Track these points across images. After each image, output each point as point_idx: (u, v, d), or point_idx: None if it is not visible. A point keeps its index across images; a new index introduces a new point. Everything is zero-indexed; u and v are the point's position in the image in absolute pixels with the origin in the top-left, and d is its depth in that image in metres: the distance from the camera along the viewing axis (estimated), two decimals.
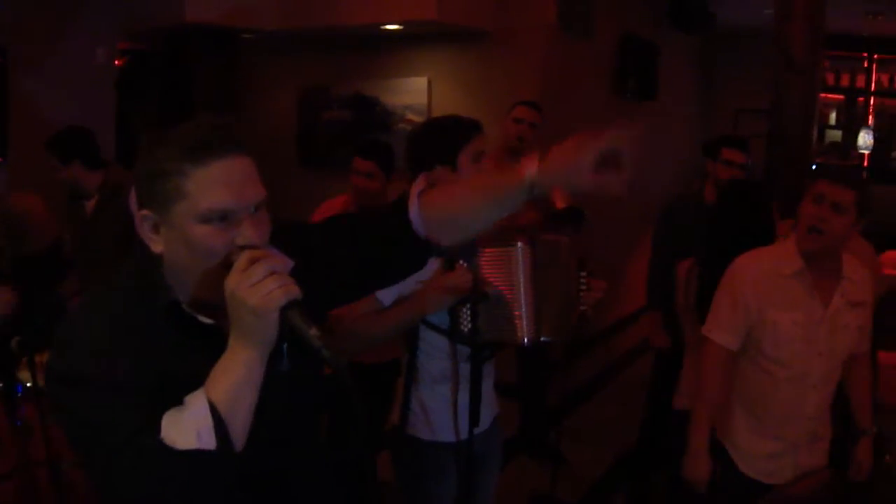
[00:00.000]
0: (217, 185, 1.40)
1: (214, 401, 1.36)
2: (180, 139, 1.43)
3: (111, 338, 1.42)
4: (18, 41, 5.78)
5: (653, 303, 4.46)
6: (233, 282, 1.36)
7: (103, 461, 1.36)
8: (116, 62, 7.40)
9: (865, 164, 9.75)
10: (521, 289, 2.59)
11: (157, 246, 1.48)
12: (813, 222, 2.64)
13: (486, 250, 2.58)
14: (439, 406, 2.68)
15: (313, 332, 1.36)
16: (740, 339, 2.81)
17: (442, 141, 2.61)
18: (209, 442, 1.34)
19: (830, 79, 10.09)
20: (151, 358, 1.41)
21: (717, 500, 2.98)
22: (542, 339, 2.64)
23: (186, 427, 1.34)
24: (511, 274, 2.59)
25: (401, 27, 6.07)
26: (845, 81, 10.06)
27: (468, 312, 2.54)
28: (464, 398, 2.64)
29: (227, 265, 1.39)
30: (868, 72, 9.87)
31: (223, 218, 1.41)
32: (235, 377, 1.39)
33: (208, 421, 1.35)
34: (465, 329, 2.56)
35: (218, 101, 6.87)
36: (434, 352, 2.66)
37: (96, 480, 1.42)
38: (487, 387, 2.79)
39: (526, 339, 2.60)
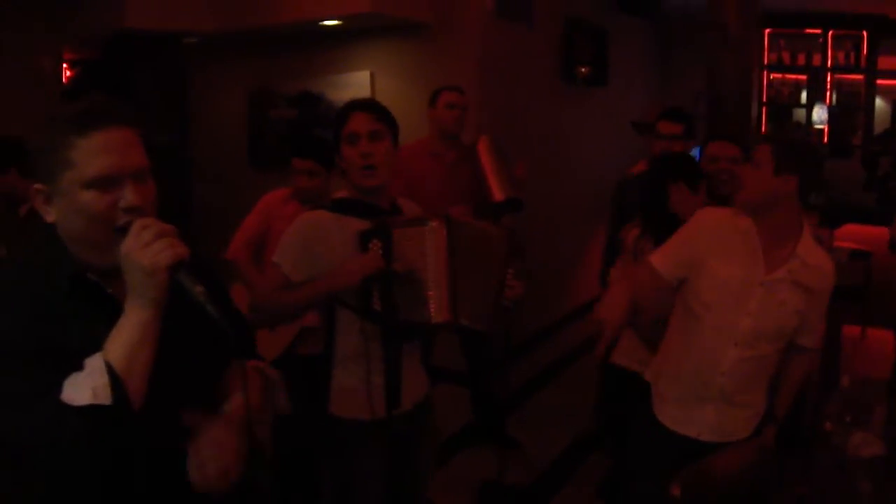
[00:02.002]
0: (100, 153, 1.53)
1: (110, 360, 1.45)
2: (67, 115, 1.57)
3: (8, 307, 1.51)
4: None
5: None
6: (126, 245, 1.49)
7: (3, 429, 1.43)
8: (67, 72, 7.40)
9: (825, 140, 9.78)
10: (433, 269, 2.58)
11: (49, 216, 1.59)
12: (724, 176, 2.77)
13: (398, 230, 2.58)
14: (354, 384, 2.69)
15: (199, 289, 1.51)
16: (674, 274, 2.87)
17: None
18: (105, 398, 1.42)
19: (787, 58, 10.12)
20: (52, 326, 1.50)
21: (632, 442, 3.10)
22: (460, 322, 2.63)
23: (83, 385, 1.42)
24: (423, 254, 2.58)
25: (340, 22, 6.06)
26: (801, 60, 10.08)
27: (379, 292, 2.55)
28: (379, 377, 2.66)
29: (121, 230, 1.52)
30: (824, 49, 9.89)
31: (107, 183, 1.53)
32: (130, 337, 1.48)
33: (104, 378, 1.43)
34: (377, 308, 2.56)
35: (164, 105, 6.87)
36: (348, 330, 2.67)
37: None
38: (411, 368, 2.81)
39: (439, 320, 2.59)
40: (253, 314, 2.65)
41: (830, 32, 9.82)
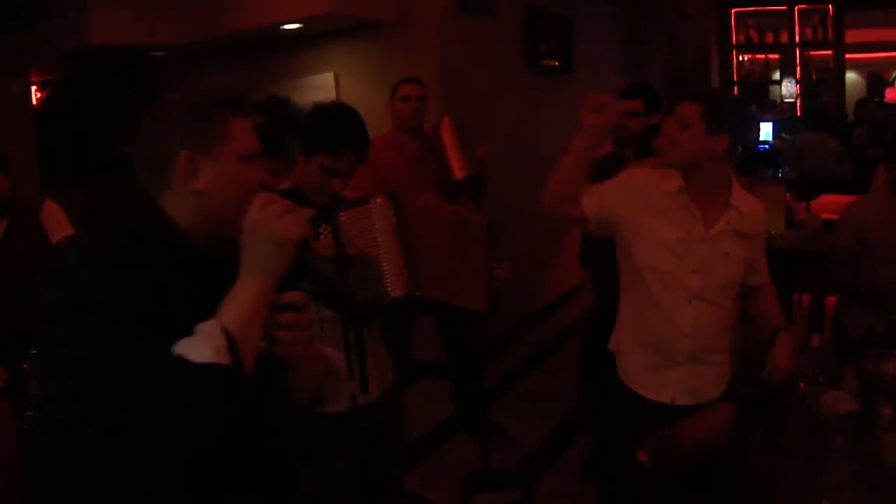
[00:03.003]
0: (250, 132, 1.67)
1: (228, 324, 1.47)
2: (225, 95, 1.69)
3: (120, 270, 1.52)
4: None
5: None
6: (254, 217, 1.55)
7: (115, 382, 1.42)
8: (37, 93, 7.42)
9: (798, 113, 9.85)
10: (384, 245, 2.62)
11: (195, 183, 1.63)
12: (660, 141, 2.75)
13: (345, 212, 2.60)
14: None
15: (328, 266, 1.64)
16: (595, 211, 2.79)
17: None
18: (226, 358, 1.44)
19: (756, 37, 10.17)
20: (159, 294, 1.52)
21: (609, 416, 3.10)
22: (416, 294, 2.67)
23: (202, 346, 1.43)
24: (372, 231, 2.61)
25: (300, 25, 6.08)
26: (770, 39, 10.14)
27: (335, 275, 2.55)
28: (342, 366, 2.63)
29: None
30: (791, 25, 9.95)
31: (255, 158, 1.68)
32: (249, 305, 1.52)
33: (223, 340, 1.45)
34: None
35: (135, 118, 6.87)
36: None
37: (101, 406, 1.46)
38: (376, 354, 2.81)
39: (396, 293, 2.63)
40: None
41: (796, 8, 9.87)
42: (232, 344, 1.45)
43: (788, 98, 9.87)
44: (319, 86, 6.33)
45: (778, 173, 7.94)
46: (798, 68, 9.97)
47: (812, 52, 10.07)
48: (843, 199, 7.11)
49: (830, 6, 9.63)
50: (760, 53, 10.31)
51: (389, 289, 2.62)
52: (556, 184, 2.79)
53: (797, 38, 9.93)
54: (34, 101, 7.42)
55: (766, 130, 9.65)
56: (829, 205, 6.76)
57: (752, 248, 2.87)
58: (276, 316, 1.59)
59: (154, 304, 1.49)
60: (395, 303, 2.69)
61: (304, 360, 1.73)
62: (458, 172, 4.33)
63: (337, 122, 2.68)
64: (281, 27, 6.10)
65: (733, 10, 9.99)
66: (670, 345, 2.84)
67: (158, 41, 6.59)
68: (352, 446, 2.76)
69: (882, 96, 10.18)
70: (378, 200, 2.63)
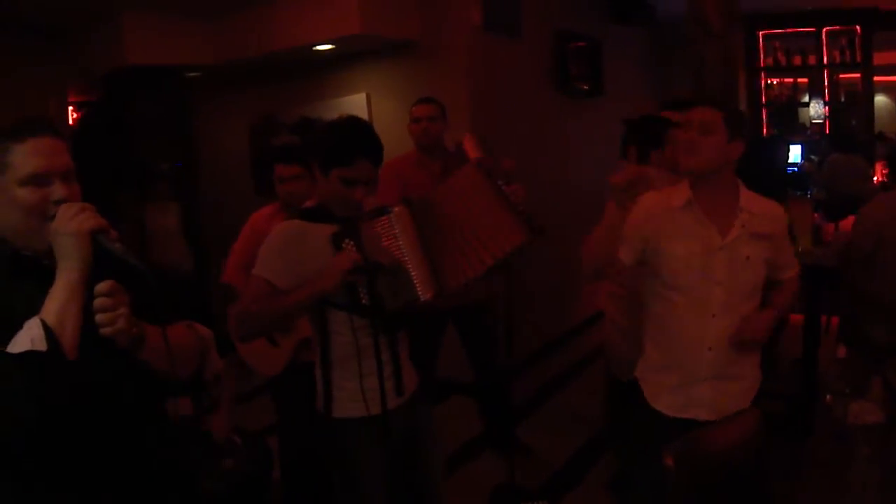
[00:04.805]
0: (32, 155, 1.82)
1: (44, 317, 1.68)
2: (4, 128, 1.87)
3: None
4: None
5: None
6: (54, 224, 1.76)
7: None
8: (74, 114, 7.56)
9: (827, 131, 9.82)
10: (408, 250, 2.68)
11: None
12: (684, 145, 2.79)
13: (366, 223, 2.66)
14: (350, 383, 2.74)
15: (118, 245, 1.78)
16: (632, 257, 2.92)
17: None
18: (40, 345, 1.63)
19: (783, 59, 10.16)
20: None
21: (633, 436, 3.12)
22: (445, 292, 2.71)
23: (21, 338, 1.64)
24: (395, 238, 2.67)
25: (333, 46, 6.18)
26: (798, 61, 10.12)
27: (364, 286, 2.60)
28: (374, 373, 2.71)
29: (52, 218, 1.79)
30: (818, 48, 9.93)
31: (38, 180, 1.82)
32: (60, 296, 1.72)
33: (39, 330, 1.65)
34: (366, 302, 2.62)
35: (169, 136, 7.02)
36: (339, 329, 2.73)
37: None
38: (403, 358, 2.87)
39: (428, 296, 2.68)
40: (240, 326, 2.72)
41: (825, 29, 9.86)
42: (48, 332, 1.64)
43: (817, 119, 9.84)
44: (351, 106, 6.39)
45: (807, 195, 7.94)
46: (826, 90, 9.95)
47: (841, 75, 10.04)
48: None
49: (858, 27, 9.61)
50: (788, 76, 10.27)
51: (420, 292, 2.67)
52: (595, 254, 2.96)
53: (825, 60, 9.90)
54: (71, 122, 7.55)
55: (794, 153, 9.64)
56: None
57: (773, 249, 2.88)
58: (93, 303, 1.77)
59: None
60: (426, 305, 2.72)
61: (140, 340, 1.86)
62: (472, 153, 4.37)
63: (347, 133, 2.73)
64: (314, 48, 6.21)
65: (761, 33, 9.99)
66: (694, 360, 2.86)
67: (193, 62, 6.73)
68: (384, 453, 2.80)
69: None
70: (396, 209, 2.70)
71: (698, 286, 2.80)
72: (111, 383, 1.87)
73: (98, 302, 1.77)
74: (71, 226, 1.74)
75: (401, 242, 2.67)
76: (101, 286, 1.77)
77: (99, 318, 1.76)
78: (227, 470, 3.51)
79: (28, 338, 1.63)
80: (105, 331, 1.76)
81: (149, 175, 6.66)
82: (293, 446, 3.97)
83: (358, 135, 2.72)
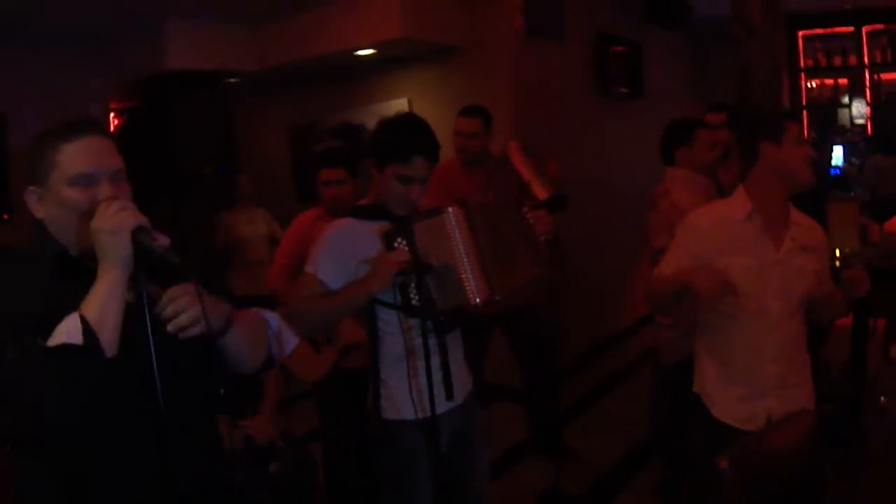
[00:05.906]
0: (80, 155, 1.80)
1: (84, 312, 1.65)
2: (54, 128, 1.84)
3: (2, 285, 1.76)
4: (17, 103, 6.13)
5: None
6: (95, 221, 1.71)
7: None
8: (115, 119, 7.66)
9: (869, 132, 9.72)
10: (461, 252, 2.63)
11: (39, 213, 1.85)
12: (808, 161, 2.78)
13: (419, 223, 2.64)
14: (400, 384, 2.73)
15: (158, 244, 1.71)
16: (678, 266, 2.86)
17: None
18: (76, 338, 1.61)
19: (823, 60, 10.07)
20: (41, 300, 1.71)
21: (697, 450, 3.00)
22: (496, 297, 2.66)
23: (59, 332, 1.62)
24: (448, 239, 2.63)
25: (374, 51, 6.21)
26: (838, 62, 10.03)
27: (415, 286, 2.59)
28: (423, 373, 2.66)
29: (92, 217, 1.73)
30: (859, 47, 9.84)
31: (86, 180, 1.79)
32: (100, 293, 1.69)
33: (77, 323, 1.62)
34: (416, 302, 2.61)
35: (210, 142, 7.08)
36: (390, 330, 2.73)
37: None
38: (456, 360, 2.83)
39: (479, 300, 2.63)
40: (289, 324, 2.58)
41: (865, 29, 9.76)
42: (86, 326, 1.62)
43: (859, 119, 9.73)
44: (393, 112, 6.38)
45: (851, 195, 7.87)
46: (867, 90, 9.84)
47: (882, 75, 9.93)
48: None
49: None
50: (828, 76, 10.17)
51: (471, 295, 2.63)
52: (656, 305, 3.06)
53: (866, 60, 9.80)
54: (111, 128, 7.64)
55: (836, 155, 9.55)
56: None
57: (818, 260, 2.87)
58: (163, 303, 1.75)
59: (34, 310, 1.67)
60: (477, 309, 2.69)
61: (230, 315, 1.87)
62: (542, 193, 4.35)
63: (403, 129, 2.71)
64: (355, 53, 6.24)
65: (801, 33, 9.90)
66: (759, 373, 2.82)
67: (234, 67, 6.79)
68: (433, 454, 2.76)
69: None
70: (451, 209, 2.65)
71: (756, 298, 2.78)
72: (168, 381, 1.79)
73: (170, 291, 1.74)
74: (111, 221, 1.70)
75: (454, 244, 2.63)
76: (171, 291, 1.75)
77: (164, 312, 1.74)
78: (271, 473, 3.52)
79: (64, 331, 1.61)
80: (182, 319, 1.73)
81: (188, 179, 6.71)
82: (338, 450, 3.99)
83: (415, 132, 2.70)
